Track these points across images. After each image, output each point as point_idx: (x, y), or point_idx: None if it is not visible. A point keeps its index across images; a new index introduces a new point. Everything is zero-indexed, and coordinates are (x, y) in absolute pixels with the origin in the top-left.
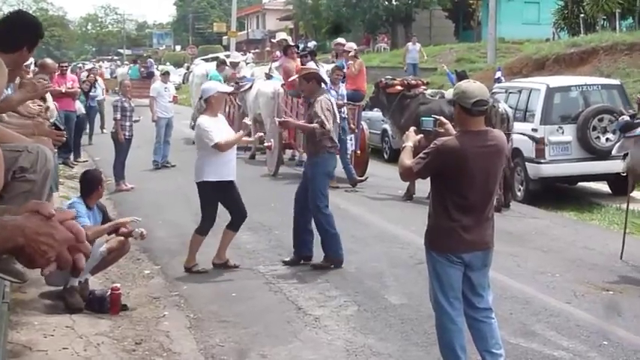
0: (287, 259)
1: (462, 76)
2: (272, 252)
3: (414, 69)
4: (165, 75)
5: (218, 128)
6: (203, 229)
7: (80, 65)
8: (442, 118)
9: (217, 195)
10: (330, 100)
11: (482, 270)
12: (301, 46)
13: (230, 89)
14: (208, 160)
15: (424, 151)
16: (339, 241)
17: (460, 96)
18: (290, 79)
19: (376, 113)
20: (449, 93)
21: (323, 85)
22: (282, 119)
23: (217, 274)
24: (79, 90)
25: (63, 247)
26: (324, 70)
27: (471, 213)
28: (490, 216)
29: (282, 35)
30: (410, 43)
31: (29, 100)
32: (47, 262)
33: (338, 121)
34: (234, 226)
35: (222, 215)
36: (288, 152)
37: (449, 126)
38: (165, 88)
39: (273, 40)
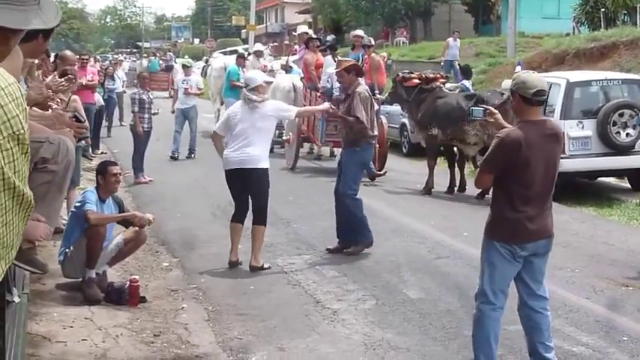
0: (331, 247)
1: (465, 69)
2: (290, 245)
3: (451, 66)
4: (186, 68)
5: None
6: (236, 217)
7: (102, 58)
8: (491, 108)
9: (240, 181)
10: (367, 90)
11: (545, 257)
12: (327, 38)
13: (272, 79)
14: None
15: (490, 148)
16: (367, 224)
17: (520, 86)
18: (315, 72)
19: (395, 107)
20: (506, 83)
21: (360, 76)
22: (332, 109)
23: (235, 267)
24: (98, 83)
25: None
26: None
27: (534, 203)
28: (550, 204)
29: (303, 28)
30: (451, 39)
31: (37, 101)
32: None
33: (376, 107)
34: (257, 219)
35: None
36: (306, 146)
37: (498, 116)
38: (184, 80)
39: (294, 33)
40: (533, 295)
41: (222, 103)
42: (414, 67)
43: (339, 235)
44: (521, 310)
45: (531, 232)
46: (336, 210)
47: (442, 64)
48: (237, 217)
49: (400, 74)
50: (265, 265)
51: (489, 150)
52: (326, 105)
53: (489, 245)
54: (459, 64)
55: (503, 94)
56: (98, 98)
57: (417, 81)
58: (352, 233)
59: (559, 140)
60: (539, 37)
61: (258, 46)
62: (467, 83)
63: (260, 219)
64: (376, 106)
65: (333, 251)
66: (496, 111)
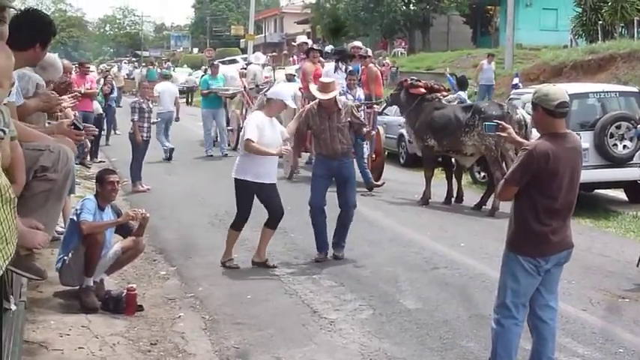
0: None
1: (462, 80)
2: (287, 255)
3: (487, 92)
4: (164, 77)
5: (264, 128)
6: (236, 225)
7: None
8: (504, 123)
9: (251, 193)
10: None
11: (562, 266)
12: (326, 49)
13: (294, 106)
14: (247, 157)
15: (516, 161)
16: (319, 235)
17: (542, 99)
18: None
19: (393, 117)
20: (526, 98)
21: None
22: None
23: (233, 276)
24: (97, 91)
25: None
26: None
27: (559, 215)
28: (571, 216)
29: (302, 38)
30: (485, 62)
31: (42, 110)
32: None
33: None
34: (270, 223)
35: (260, 212)
36: (305, 156)
37: (511, 130)
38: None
39: (293, 43)
40: (545, 306)
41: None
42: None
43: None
44: (529, 319)
45: (555, 244)
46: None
47: (477, 90)
48: (238, 226)
49: (409, 80)
50: (270, 263)
51: (516, 162)
52: (278, 149)
53: (512, 259)
54: (455, 75)
55: (501, 105)
56: (97, 107)
57: (423, 90)
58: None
59: (580, 153)
60: (537, 49)
61: (261, 58)
62: (463, 94)
63: (273, 223)
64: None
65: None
66: (509, 126)
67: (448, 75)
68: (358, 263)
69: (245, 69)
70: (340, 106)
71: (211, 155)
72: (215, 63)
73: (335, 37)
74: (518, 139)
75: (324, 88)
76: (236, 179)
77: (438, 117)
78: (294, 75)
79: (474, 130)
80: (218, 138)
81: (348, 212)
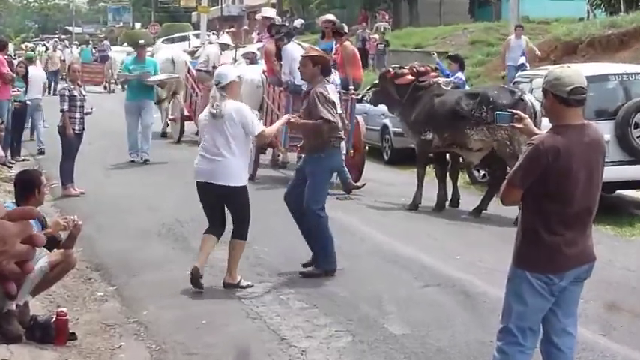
0: (305, 262)
1: (457, 59)
2: (250, 271)
3: (516, 72)
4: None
5: None
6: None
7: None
8: (520, 113)
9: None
10: (327, 89)
11: (582, 283)
12: (295, 24)
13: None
14: (247, 159)
15: (520, 158)
16: (332, 248)
17: (553, 83)
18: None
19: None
20: (536, 82)
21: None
22: (291, 119)
23: (185, 297)
24: (13, 74)
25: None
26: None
27: (575, 223)
28: (592, 224)
29: (268, 12)
30: (512, 37)
31: None
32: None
33: (339, 110)
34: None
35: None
36: (269, 153)
37: (528, 121)
38: None
39: (257, 17)
40: (562, 331)
41: (169, 102)
42: (400, 58)
43: (312, 249)
44: (542, 345)
45: (571, 257)
46: (298, 226)
47: (505, 72)
48: (211, 230)
49: (391, 69)
50: (243, 283)
51: (519, 160)
52: (285, 117)
53: (519, 276)
54: (448, 56)
55: (513, 92)
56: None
57: (410, 77)
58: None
59: (602, 148)
60: (547, 22)
61: (226, 39)
62: (461, 76)
63: (239, 232)
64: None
65: (308, 266)
66: (525, 115)
67: (438, 60)
68: (333, 280)
69: (197, 49)
70: (309, 89)
71: (133, 161)
72: (141, 43)
73: (305, 10)
74: (537, 131)
75: (307, 51)
76: (245, 187)
77: (438, 105)
78: (256, 55)
79: (481, 121)
80: (139, 141)
81: (307, 216)
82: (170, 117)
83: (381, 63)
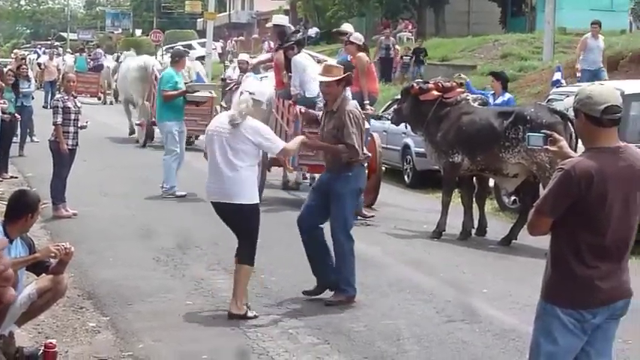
0: (309, 289)
1: (501, 77)
2: (255, 302)
3: (593, 79)
4: None
5: None
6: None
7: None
8: (555, 134)
9: None
10: (358, 108)
11: (618, 320)
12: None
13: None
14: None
15: (550, 184)
16: (354, 271)
17: (585, 102)
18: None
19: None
20: (567, 101)
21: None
22: (308, 140)
23: (184, 329)
24: (1, 84)
25: None
26: (314, 63)
27: (609, 255)
28: (628, 256)
29: (279, 19)
30: (589, 35)
31: None
32: None
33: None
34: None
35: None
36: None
37: (564, 143)
38: None
39: (267, 26)
40: None
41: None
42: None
43: (315, 274)
44: None
45: (605, 292)
46: (306, 246)
47: (578, 74)
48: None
49: (415, 85)
50: (250, 314)
51: (549, 185)
52: (301, 137)
53: (549, 312)
54: (492, 73)
55: (554, 110)
56: (6, 106)
57: (436, 93)
58: (331, 271)
59: None
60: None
61: (243, 56)
62: (508, 96)
63: (243, 256)
64: (367, 124)
65: (312, 294)
66: (561, 138)
67: (467, 81)
68: (347, 314)
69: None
70: (334, 107)
71: (182, 195)
72: (180, 50)
73: (321, 18)
74: (573, 154)
75: (327, 70)
76: (256, 205)
77: (467, 124)
78: (249, 64)
79: (518, 143)
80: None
81: (334, 240)
82: (137, 122)
83: (404, 77)
